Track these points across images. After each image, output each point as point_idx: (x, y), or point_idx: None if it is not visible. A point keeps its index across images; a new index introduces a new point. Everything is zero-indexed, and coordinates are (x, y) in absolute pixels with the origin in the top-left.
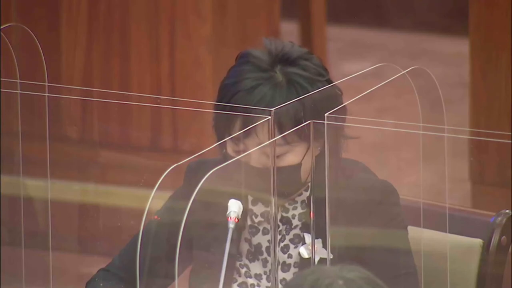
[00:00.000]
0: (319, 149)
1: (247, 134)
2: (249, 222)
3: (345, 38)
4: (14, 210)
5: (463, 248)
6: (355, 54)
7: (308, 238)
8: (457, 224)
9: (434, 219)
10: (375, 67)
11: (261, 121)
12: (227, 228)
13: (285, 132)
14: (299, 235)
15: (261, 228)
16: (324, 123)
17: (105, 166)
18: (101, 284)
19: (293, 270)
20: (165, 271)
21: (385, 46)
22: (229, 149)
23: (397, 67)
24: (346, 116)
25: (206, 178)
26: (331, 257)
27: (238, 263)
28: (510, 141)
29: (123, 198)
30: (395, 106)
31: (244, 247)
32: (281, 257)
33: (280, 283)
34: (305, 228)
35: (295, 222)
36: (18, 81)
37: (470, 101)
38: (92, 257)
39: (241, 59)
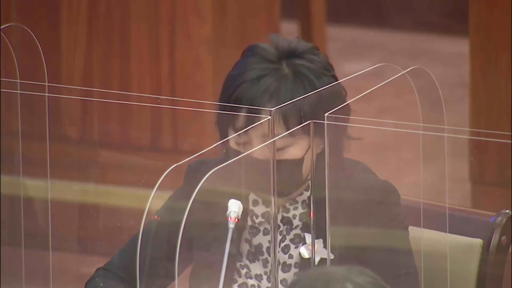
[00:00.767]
0: (321, 147)
1: (251, 123)
2: (249, 223)
3: (345, 38)
4: (14, 210)
5: (463, 248)
6: (355, 54)
7: (308, 238)
8: (457, 224)
9: (434, 219)
10: (375, 67)
11: (261, 121)
12: (227, 228)
13: (289, 123)
14: (300, 235)
15: (261, 228)
16: (324, 123)
17: (105, 166)
18: (101, 284)
19: (293, 270)
20: (165, 271)
21: (385, 46)
22: (232, 142)
23: (397, 67)
24: (349, 117)
25: (206, 178)
26: (332, 257)
27: (238, 264)
28: (510, 141)
29: (123, 198)
30: (395, 106)
31: (245, 247)
32: (282, 257)
33: (281, 283)
34: (305, 228)
35: (296, 222)
36: (18, 81)
37: (470, 101)
38: (92, 257)
39: (248, 52)
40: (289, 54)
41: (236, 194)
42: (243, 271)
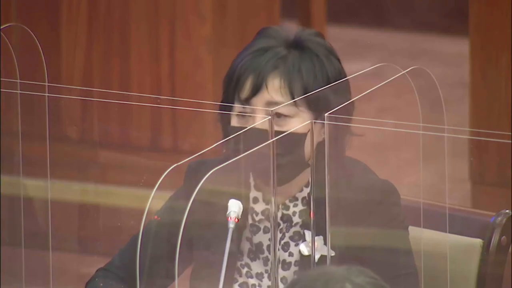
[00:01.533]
0: (323, 136)
1: (256, 90)
2: (250, 221)
3: (345, 38)
4: (14, 210)
5: (463, 248)
6: (355, 54)
7: (308, 235)
8: (457, 224)
9: (434, 219)
10: (375, 67)
11: (260, 121)
12: (227, 228)
13: (293, 91)
14: (299, 232)
15: (262, 226)
16: (324, 123)
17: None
18: (101, 284)
19: (293, 268)
20: (165, 271)
21: (385, 46)
22: (234, 120)
23: (397, 67)
24: (352, 117)
25: (206, 178)
26: (332, 254)
27: (239, 263)
28: (510, 141)
29: (123, 198)
30: (395, 106)
31: (245, 246)
32: (282, 255)
33: (281, 281)
34: (305, 225)
35: (296, 219)
36: (18, 81)
37: (470, 101)
38: (92, 257)
39: (257, 35)
40: (296, 35)
41: (236, 194)
42: (244, 270)
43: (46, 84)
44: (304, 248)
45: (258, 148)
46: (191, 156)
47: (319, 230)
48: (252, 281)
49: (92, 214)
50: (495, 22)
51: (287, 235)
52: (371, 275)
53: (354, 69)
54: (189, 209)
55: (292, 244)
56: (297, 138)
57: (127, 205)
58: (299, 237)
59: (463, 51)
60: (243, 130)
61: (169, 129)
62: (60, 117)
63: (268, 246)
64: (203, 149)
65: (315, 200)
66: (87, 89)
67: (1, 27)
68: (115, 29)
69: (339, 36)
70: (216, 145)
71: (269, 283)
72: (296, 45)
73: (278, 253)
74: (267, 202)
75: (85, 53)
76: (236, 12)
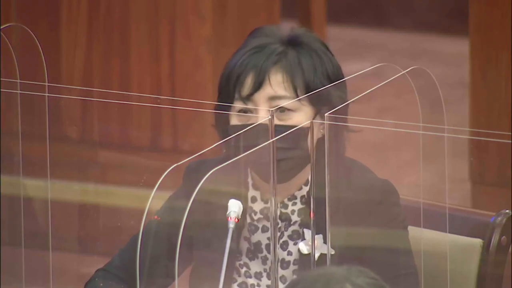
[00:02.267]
0: (322, 133)
1: (259, 85)
2: (248, 220)
3: (345, 38)
4: (14, 210)
5: (463, 248)
6: (355, 54)
7: (307, 233)
8: (457, 224)
9: (434, 219)
10: (375, 67)
11: (260, 121)
12: (227, 228)
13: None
14: (298, 231)
15: (260, 225)
16: (324, 122)
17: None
18: (101, 284)
19: (292, 267)
20: (165, 271)
21: (385, 46)
22: (234, 119)
23: (397, 67)
24: (348, 116)
25: (206, 178)
26: (332, 252)
27: (237, 263)
28: (510, 141)
29: (123, 198)
30: (395, 106)
31: (244, 245)
32: (280, 254)
33: (280, 280)
34: (304, 224)
35: (294, 218)
36: (18, 81)
37: (470, 101)
38: (92, 257)
39: (250, 36)
40: (291, 32)
41: (236, 194)
42: (243, 270)
43: (46, 84)
44: (303, 247)
45: (260, 146)
46: (191, 156)
47: (319, 229)
48: (251, 280)
49: (92, 214)
50: (495, 22)
51: (286, 234)
52: (371, 275)
53: (354, 69)
54: (189, 209)
55: (291, 243)
56: (299, 133)
57: (127, 205)
58: (298, 236)
59: (463, 51)
60: (246, 129)
61: (169, 129)
62: (60, 117)
63: (267, 245)
64: (203, 149)
65: (315, 200)
66: (87, 89)
67: (1, 27)
68: (115, 29)
69: (339, 36)
70: (217, 145)
71: (268, 282)
72: (293, 41)
73: (277, 252)
74: (265, 201)
75: (85, 53)
76: (236, 12)
